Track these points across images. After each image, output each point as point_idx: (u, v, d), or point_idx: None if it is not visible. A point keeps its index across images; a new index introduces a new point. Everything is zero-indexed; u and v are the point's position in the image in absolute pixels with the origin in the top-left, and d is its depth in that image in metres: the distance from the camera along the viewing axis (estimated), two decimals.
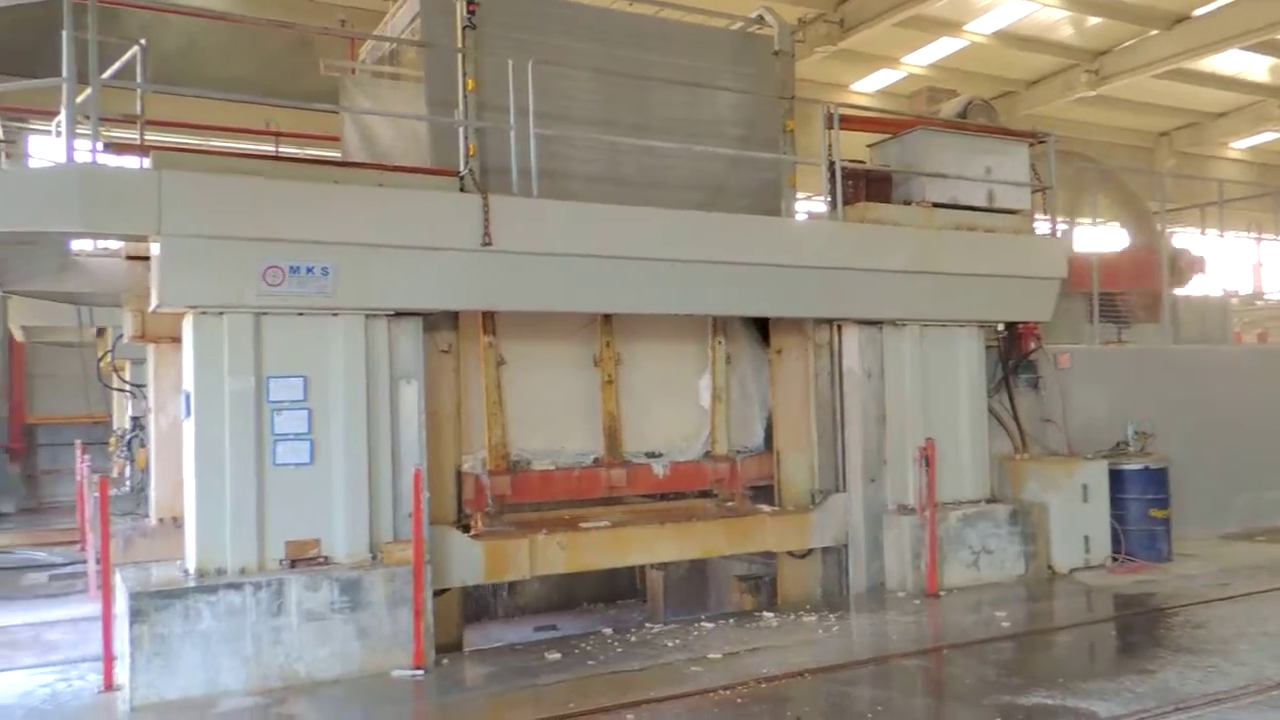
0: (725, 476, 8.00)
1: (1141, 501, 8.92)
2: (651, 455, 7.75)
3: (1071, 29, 18.23)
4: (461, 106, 6.81)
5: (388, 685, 5.77)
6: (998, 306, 8.69)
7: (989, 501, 8.50)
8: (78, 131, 5.52)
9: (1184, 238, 14.24)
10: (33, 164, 11.56)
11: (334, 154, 8.29)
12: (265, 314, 5.99)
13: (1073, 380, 9.69)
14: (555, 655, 6.32)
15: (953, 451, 8.33)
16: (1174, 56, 18.20)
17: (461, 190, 6.53)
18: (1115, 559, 8.79)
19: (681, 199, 7.54)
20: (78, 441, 11.94)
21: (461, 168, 6.65)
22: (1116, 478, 8.89)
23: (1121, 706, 5.11)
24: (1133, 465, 9.02)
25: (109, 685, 5.70)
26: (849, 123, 8.27)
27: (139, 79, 6.23)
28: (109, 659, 5.73)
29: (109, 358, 10.97)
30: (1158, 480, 8.97)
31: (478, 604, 8.99)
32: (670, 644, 6.56)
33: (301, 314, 6.08)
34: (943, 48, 18.42)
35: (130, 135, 6.87)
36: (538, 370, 7.40)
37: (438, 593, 6.45)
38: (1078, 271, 9.83)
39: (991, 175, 8.63)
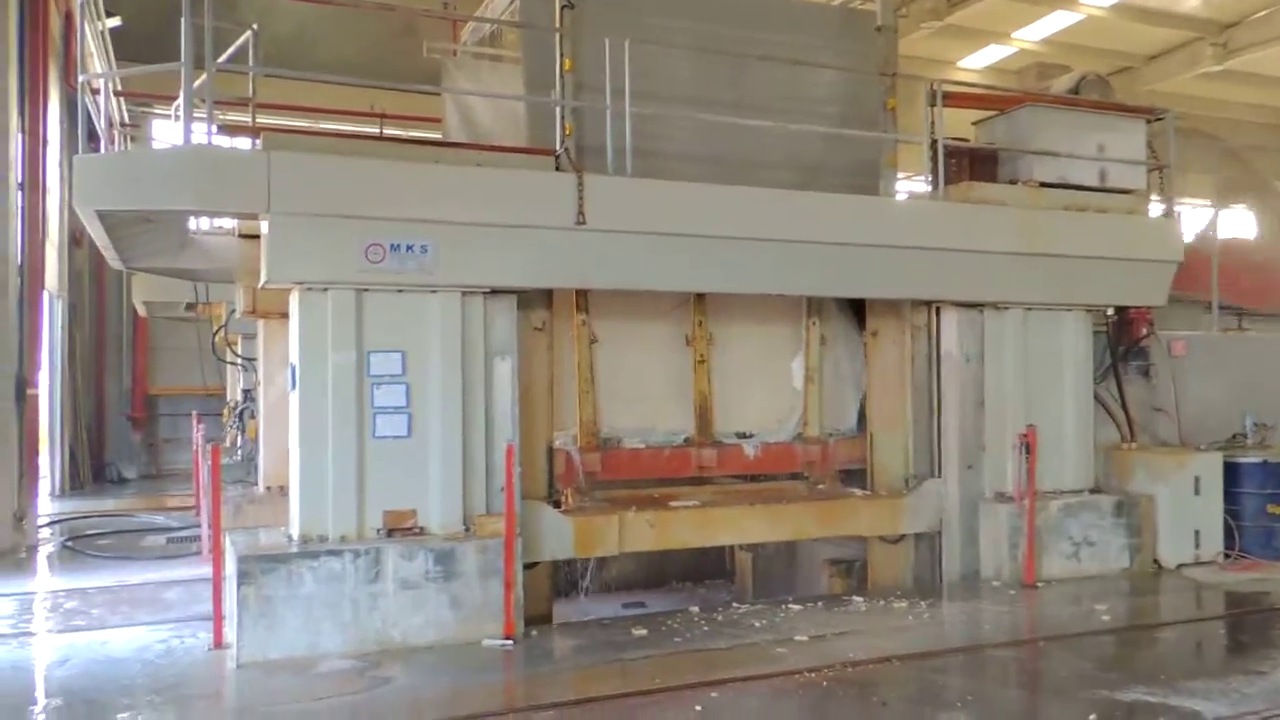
0: (816, 459, 7.96)
1: (1258, 497, 8.58)
2: (742, 436, 7.75)
3: (1197, 0, 17.41)
4: (558, 86, 6.88)
5: (478, 653, 5.91)
6: (1107, 290, 8.41)
7: (1092, 491, 8.27)
8: (194, 115, 5.77)
9: None
10: (154, 146, 12.19)
11: (435, 135, 8.48)
12: (367, 290, 6.15)
13: (1187, 368, 9.37)
14: (642, 631, 6.38)
15: (1055, 439, 8.13)
16: None
17: (557, 169, 6.61)
18: (1227, 555, 8.46)
19: (778, 178, 7.50)
20: (194, 412, 12.51)
21: (558, 147, 6.72)
22: (1232, 471, 8.57)
23: (1228, 707, 4.93)
24: (1250, 459, 8.69)
25: (218, 643, 5.98)
26: (953, 100, 8.14)
27: (251, 63, 6.44)
28: (219, 618, 6.00)
29: (223, 332, 11.48)
30: (1277, 475, 8.60)
31: (567, 578, 9.12)
32: (757, 624, 6.57)
33: (401, 290, 6.23)
34: (1056, 21, 17.75)
35: (243, 118, 7.13)
36: (630, 349, 7.46)
37: (528, 566, 6.56)
38: (1194, 268, 9.42)
39: (1104, 153, 8.35)
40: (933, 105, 7.82)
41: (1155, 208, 8.95)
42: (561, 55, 6.91)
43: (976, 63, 19.30)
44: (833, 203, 7.38)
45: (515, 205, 6.41)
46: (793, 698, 5.16)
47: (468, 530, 6.29)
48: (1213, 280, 9.99)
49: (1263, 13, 17.59)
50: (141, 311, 14.54)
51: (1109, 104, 8.81)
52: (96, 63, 11.74)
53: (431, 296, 6.31)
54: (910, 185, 10.26)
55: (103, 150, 7.23)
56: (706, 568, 9.70)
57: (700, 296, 7.59)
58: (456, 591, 6.06)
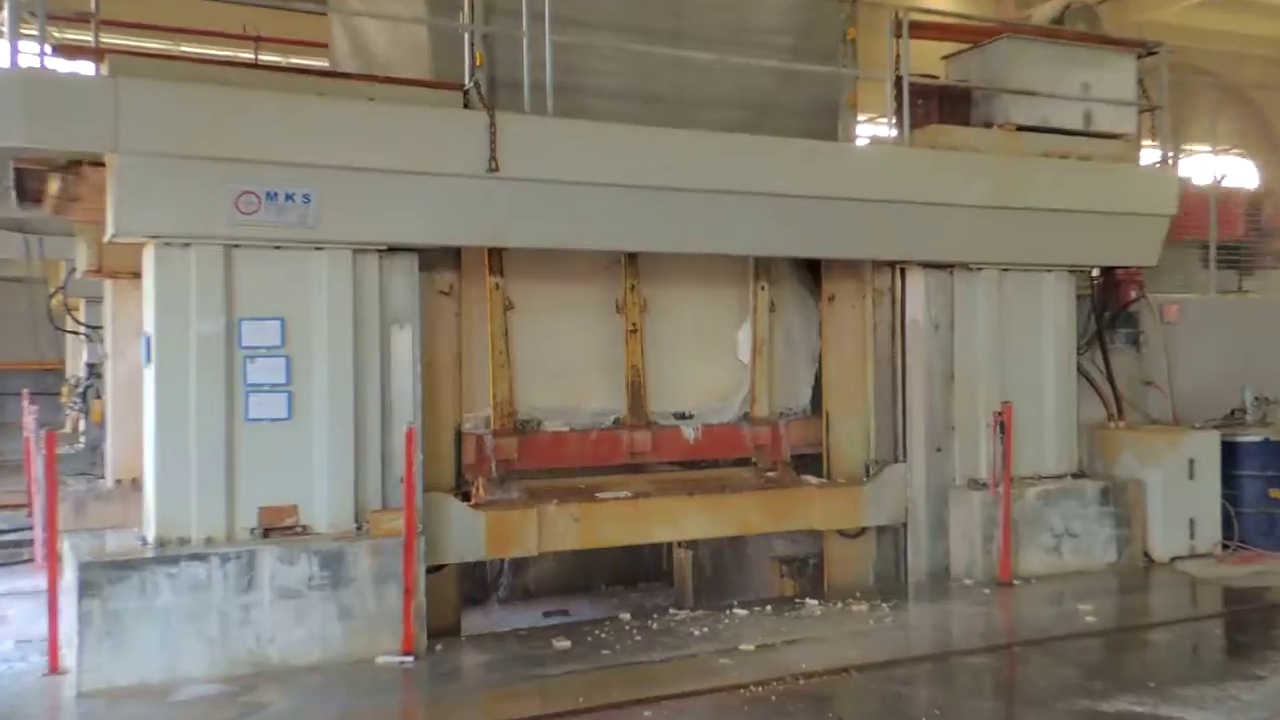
0: (766, 442, 8.06)
1: (1259, 480, 8.84)
2: (681, 417, 7.82)
3: None
4: (467, 9, 6.77)
5: (372, 673, 5.87)
6: (1092, 248, 8.60)
7: (1075, 476, 8.48)
8: (22, 31, 5.58)
9: None
10: None
11: (321, 63, 8.30)
12: (238, 247, 6.05)
13: (1181, 336, 9.58)
14: (565, 643, 6.41)
15: (1034, 417, 8.32)
16: None
17: (466, 107, 6.55)
18: (1225, 546, 8.73)
19: (722, 119, 7.52)
20: (24, 391, 12.09)
21: (466, 81, 6.65)
22: (1230, 451, 8.81)
23: (1224, 716, 5.10)
24: (1250, 437, 8.93)
25: (54, 668, 5.82)
26: (921, 30, 8.19)
27: None
28: (54, 638, 5.84)
29: (61, 295, 11.11)
30: None
31: (478, 584, 9.13)
32: (697, 633, 6.63)
33: (279, 247, 6.14)
34: None
35: (84, 37, 6.91)
36: (551, 317, 7.47)
37: (432, 569, 6.54)
38: (1192, 214, 9.67)
39: (1090, 93, 8.51)
40: (898, 36, 7.86)
41: (1147, 155, 9.13)
42: None
43: None
44: (784, 148, 7.42)
45: (415, 148, 6.34)
46: (737, 715, 5.21)
47: (360, 528, 6.25)
48: (1210, 234, 10.19)
49: None
50: None
51: (1096, 36, 8.93)
52: None
53: (316, 255, 6.23)
54: (872, 129, 10.35)
55: None
56: (640, 569, 9.78)
57: (633, 256, 7.61)
58: (347, 600, 6.01)
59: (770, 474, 8.08)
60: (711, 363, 7.97)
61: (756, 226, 7.31)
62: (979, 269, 8.20)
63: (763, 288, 8.04)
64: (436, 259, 6.92)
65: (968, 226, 7.99)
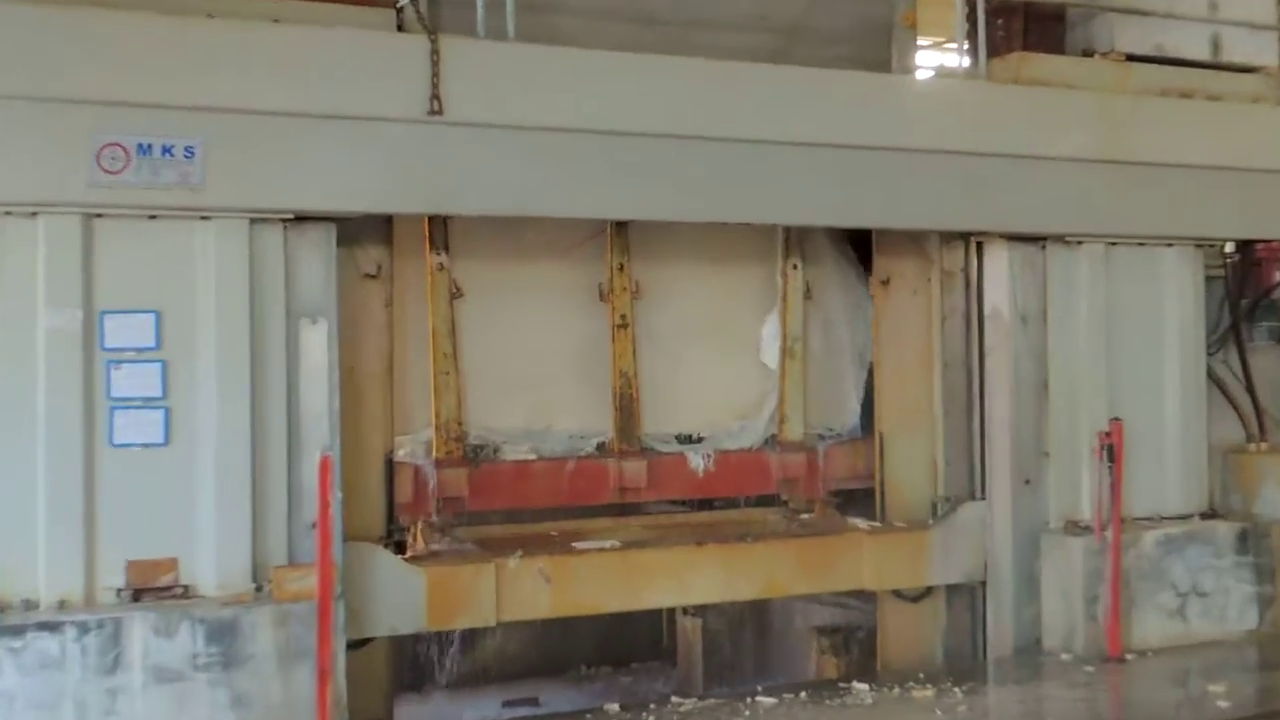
0: (799, 474, 8.04)
1: None
2: (686, 440, 7.82)
3: None
4: None
5: None
6: (1225, 216, 8.62)
7: (1205, 516, 8.49)
8: None
9: None
10: None
11: None
12: (100, 216, 6.01)
13: None
14: None
15: (1152, 439, 8.33)
16: None
17: (400, 29, 6.55)
18: None
19: (738, 45, 7.52)
20: None
21: None
22: None
23: None
24: None
25: None
26: None
27: None
28: None
29: None
30: None
31: (416, 664, 9.09)
32: None
33: (155, 217, 6.10)
34: None
35: None
36: (513, 307, 7.47)
37: (355, 644, 6.53)
38: None
39: (1218, 14, 8.55)
40: None
41: None
42: None
43: None
44: (822, 83, 7.41)
45: (334, 84, 6.32)
46: None
47: (260, 589, 6.20)
48: None
49: None
50: None
51: None
52: None
53: (202, 226, 6.19)
54: (938, 57, 10.35)
55: None
56: (633, 644, 9.78)
57: (621, 227, 7.61)
58: (242, 685, 5.96)
59: (805, 516, 8.08)
60: (727, 368, 7.98)
61: (786, 187, 7.30)
62: (1079, 242, 8.20)
63: (795, 267, 8.02)
64: (360, 231, 6.89)
65: (1064, 186, 7.99)
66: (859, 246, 8.33)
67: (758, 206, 7.36)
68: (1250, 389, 9.16)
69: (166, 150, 6.03)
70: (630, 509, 7.94)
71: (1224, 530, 8.34)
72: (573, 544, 7.39)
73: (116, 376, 6.06)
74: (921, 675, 7.56)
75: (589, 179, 6.92)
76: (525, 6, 6.80)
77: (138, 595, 6.02)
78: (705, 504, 8.23)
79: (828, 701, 7.07)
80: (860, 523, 8.10)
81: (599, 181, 6.95)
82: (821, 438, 8.17)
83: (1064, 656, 7.83)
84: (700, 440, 7.85)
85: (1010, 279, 8.09)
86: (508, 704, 8.70)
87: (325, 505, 6.16)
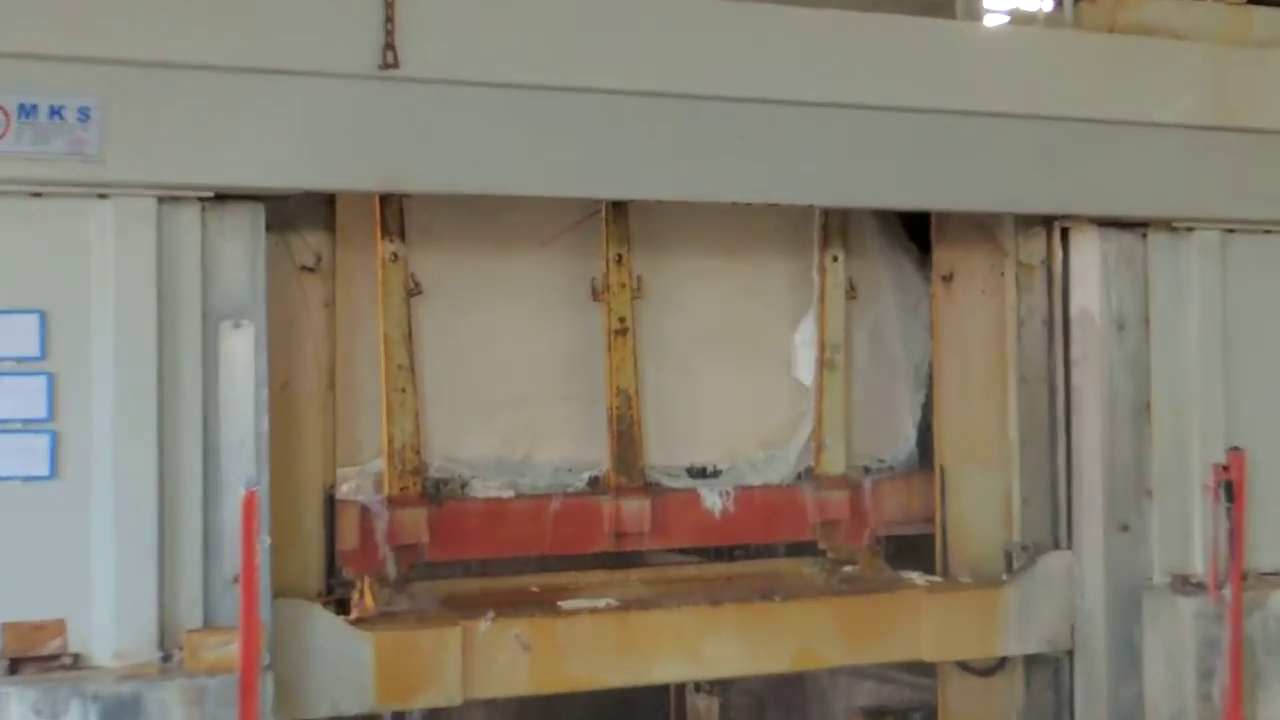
0: (842, 516, 7.98)
1: None
2: (700, 474, 7.82)
3: None
4: None
5: None
6: None
7: None
8: None
9: None
10: None
11: None
12: None
13: None
14: None
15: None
16: None
17: None
18: None
19: None
20: None
21: None
22: None
23: None
24: None
25: None
26: None
27: None
28: None
29: None
30: None
31: None
32: None
33: (40, 194, 6.04)
34: None
35: None
36: (484, 307, 7.45)
37: None
38: None
39: None
40: None
41: None
42: None
43: None
44: (870, 32, 7.37)
45: (264, 30, 6.25)
46: None
47: (168, 659, 6.11)
48: None
49: None
50: None
51: None
52: None
53: (98, 206, 6.11)
54: (1012, 0, 10.36)
55: None
56: None
57: (620, 210, 7.57)
58: None
59: (848, 569, 8.05)
60: (750, 384, 7.99)
61: (825, 159, 7.22)
62: (1188, 229, 8.11)
63: (835, 260, 7.99)
64: (296, 214, 6.87)
65: (1170, 160, 7.91)
66: (916, 234, 8.32)
67: (789, 183, 7.26)
68: None
69: (55, 112, 5.97)
70: (630, 559, 7.86)
71: None
72: (558, 603, 7.30)
73: None
74: None
75: (579, 149, 6.82)
76: None
77: (15, 666, 5.92)
78: (723, 553, 8.18)
79: None
80: (916, 577, 8.04)
81: (592, 152, 6.85)
82: (868, 471, 8.14)
83: None
84: (717, 474, 7.83)
85: (1103, 274, 8.00)
86: None
87: (250, 554, 6.06)
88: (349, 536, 7.09)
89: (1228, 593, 7.71)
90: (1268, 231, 8.33)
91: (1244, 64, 8.09)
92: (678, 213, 7.66)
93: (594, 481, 7.59)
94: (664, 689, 9.42)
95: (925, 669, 8.20)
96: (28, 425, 6.05)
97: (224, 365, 6.39)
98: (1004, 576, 8.06)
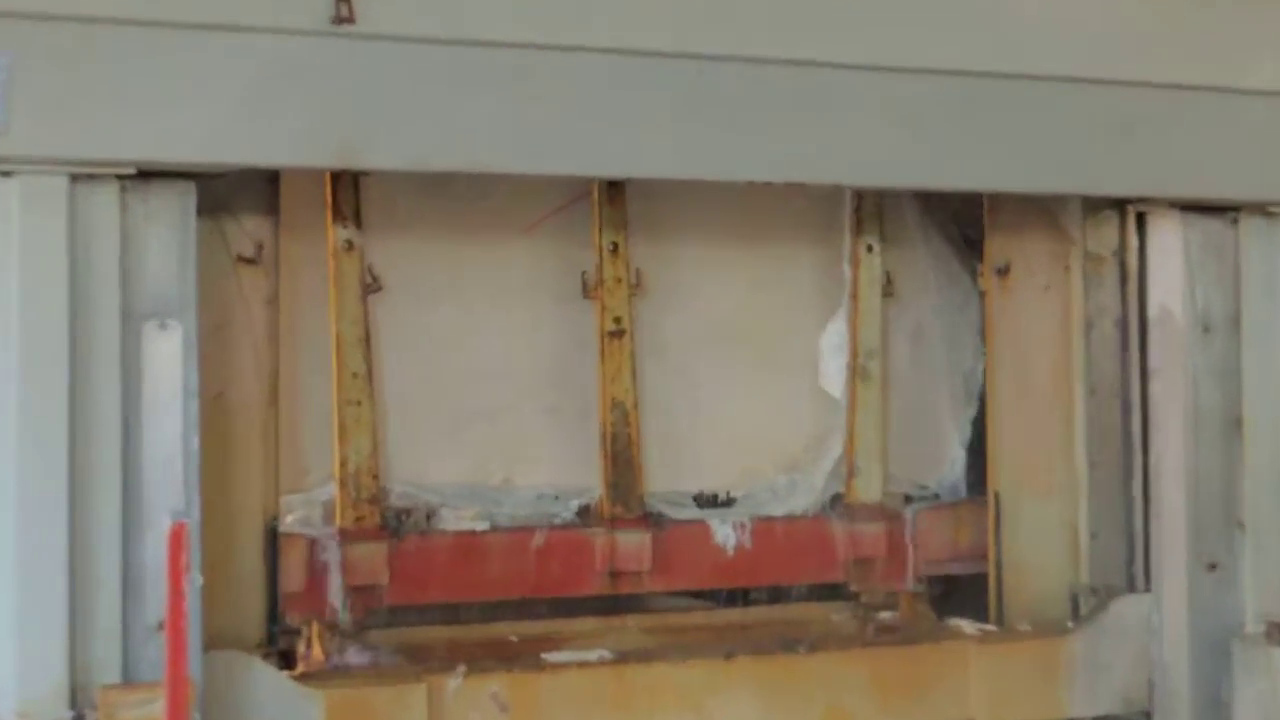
0: (877, 553, 7.88)
1: None
2: (709, 502, 7.73)
3: None
4: None
5: None
6: None
7: None
8: None
9: None
10: None
11: None
12: None
13: None
14: None
15: None
16: None
17: None
18: None
19: None
20: None
21: None
22: None
23: None
24: None
25: None
26: None
27: None
28: None
29: None
30: None
31: None
32: None
33: None
34: None
35: None
36: (455, 306, 7.38)
37: None
38: None
39: None
40: None
41: None
42: None
43: None
44: None
45: None
46: None
47: (81, 719, 6.00)
48: None
49: None
50: None
51: None
52: None
53: (1, 185, 6.06)
54: None
55: None
56: None
57: (615, 190, 7.48)
58: None
59: (886, 615, 7.96)
60: (769, 396, 7.90)
61: (858, 131, 7.13)
62: None
63: (870, 250, 7.91)
64: (233, 195, 6.78)
65: (1267, 133, 7.87)
66: (965, 221, 8.28)
67: (816, 160, 7.16)
68: None
69: None
70: (627, 603, 7.77)
71: None
72: (542, 655, 7.23)
73: None
74: None
75: (569, 118, 6.75)
76: None
77: None
78: (738, 597, 8.09)
79: None
80: (966, 625, 7.96)
81: (583, 122, 6.77)
82: (909, 499, 8.08)
83: None
84: (730, 502, 7.76)
85: (1186, 267, 7.95)
86: None
87: (177, 597, 5.92)
88: (294, 576, 7.01)
89: None
90: None
91: None
92: (684, 195, 7.62)
93: (584, 511, 7.52)
94: None
95: None
96: None
97: (147, 373, 6.32)
98: (1069, 624, 8.00)
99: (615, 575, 7.52)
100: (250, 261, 6.94)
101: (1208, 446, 8.01)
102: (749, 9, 6.98)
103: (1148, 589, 8.06)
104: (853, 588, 8.05)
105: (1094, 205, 8.13)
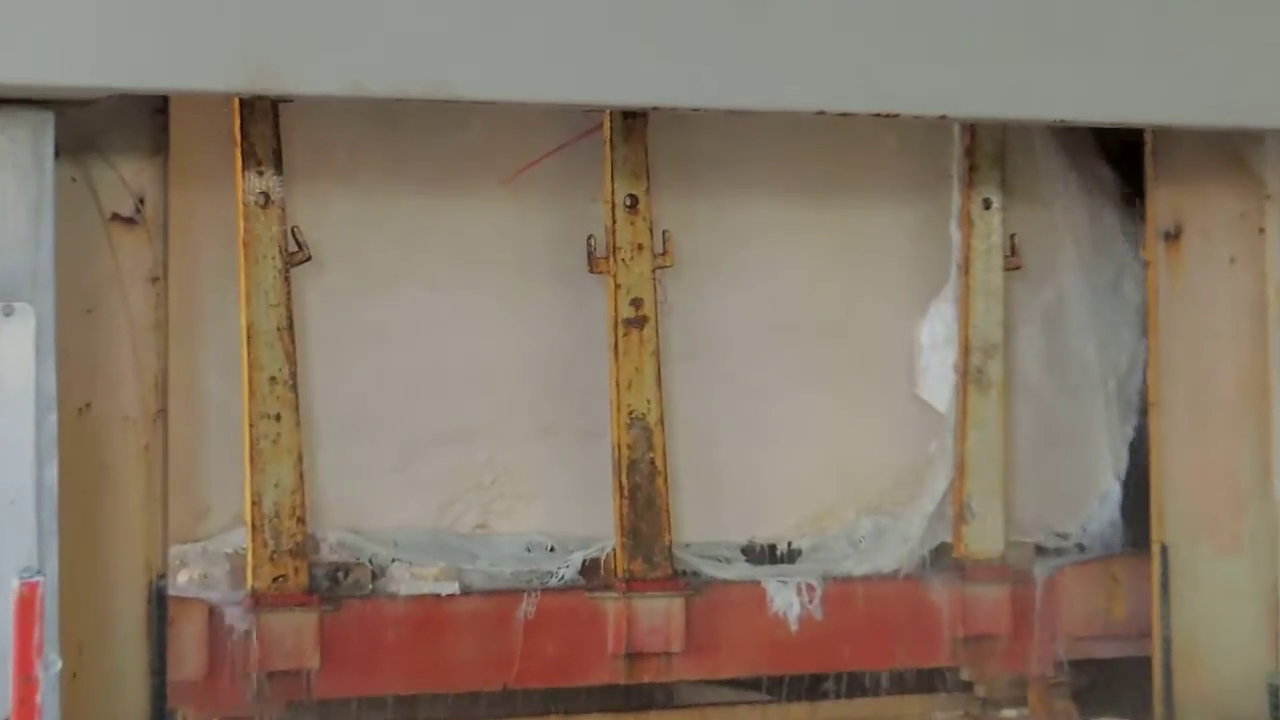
0: (999, 628, 7.85)
1: None
2: (765, 555, 7.70)
3: None
4: None
5: None
6: None
7: None
8: None
9: None
10: None
11: None
12: None
13: None
14: None
15: None
16: None
17: None
18: None
19: None
20: None
21: None
22: None
23: None
24: None
25: None
26: None
27: None
28: None
29: None
30: None
31: None
32: None
33: None
34: None
35: None
36: (410, 283, 7.34)
37: None
38: None
39: None
40: None
41: None
42: None
43: None
44: None
45: None
46: None
47: None
48: None
49: None
50: None
51: None
52: None
53: None
54: None
55: None
56: None
57: (632, 125, 7.40)
58: None
59: (1011, 713, 7.88)
60: (846, 408, 7.86)
61: (968, 45, 7.01)
62: None
63: (986, 205, 7.84)
64: (105, 132, 6.73)
65: None
66: (1120, 168, 8.20)
67: (908, 84, 7.03)
68: None
69: None
70: (650, 695, 7.70)
71: None
72: None
73: None
74: None
75: (566, 23, 6.64)
76: None
77: None
78: (804, 687, 7.90)
79: None
80: None
81: (585, 28, 6.68)
82: (1043, 552, 7.99)
83: None
84: (793, 557, 7.71)
85: None
86: None
87: (27, 685, 5.95)
88: (189, 657, 6.94)
89: None
90: None
91: None
92: (728, 132, 7.55)
93: (591, 568, 7.45)
94: None
95: None
96: None
97: None
98: None
99: (634, 658, 7.42)
100: (129, 222, 6.83)
101: None
102: None
103: None
104: (964, 675, 7.97)
105: None
